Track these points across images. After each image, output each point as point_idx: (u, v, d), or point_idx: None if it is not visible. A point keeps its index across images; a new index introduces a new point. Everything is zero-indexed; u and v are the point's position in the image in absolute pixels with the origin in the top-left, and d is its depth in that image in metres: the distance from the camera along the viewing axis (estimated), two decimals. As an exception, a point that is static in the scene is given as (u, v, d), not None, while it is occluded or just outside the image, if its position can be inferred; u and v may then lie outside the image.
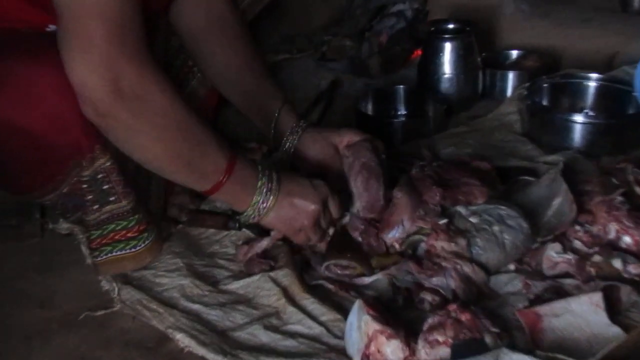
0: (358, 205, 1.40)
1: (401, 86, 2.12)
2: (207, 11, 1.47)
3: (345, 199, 1.41)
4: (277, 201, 1.29)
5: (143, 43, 1.11)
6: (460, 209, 1.37)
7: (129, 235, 1.36)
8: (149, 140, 1.14)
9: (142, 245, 1.38)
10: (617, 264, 1.26)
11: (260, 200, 1.28)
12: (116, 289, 1.34)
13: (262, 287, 1.32)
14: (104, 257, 1.37)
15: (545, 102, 1.92)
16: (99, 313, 1.30)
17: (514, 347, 1.06)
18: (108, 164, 1.28)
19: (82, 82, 1.07)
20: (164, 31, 1.52)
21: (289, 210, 1.31)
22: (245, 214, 1.29)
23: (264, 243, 1.38)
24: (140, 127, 1.12)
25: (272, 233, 1.38)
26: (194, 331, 1.22)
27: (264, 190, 1.27)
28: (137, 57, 1.09)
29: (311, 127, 1.51)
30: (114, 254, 1.36)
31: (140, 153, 1.18)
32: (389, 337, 1.08)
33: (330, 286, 1.33)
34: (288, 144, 1.49)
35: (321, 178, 1.38)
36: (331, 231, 1.40)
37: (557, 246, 1.32)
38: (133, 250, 1.37)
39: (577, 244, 1.34)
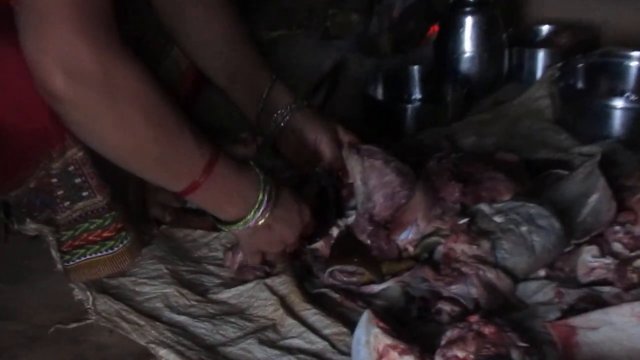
0: (378, 197, 1.40)
1: (416, 67, 2.13)
2: None
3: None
4: (261, 222, 1.29)
5: (108, 21, 1.07)
6: (483, 207, 1.38)
7: (104, 235, 1.36)
8: (111, 130, 1.12)
9: (120, 246, 1.38)
10: (663, 269, 1.27)
11: (252, 220, 1.27)
12: (91, 298, 1.34)
13: (257, 297, 1.33)
14: (77, 261, 1.37)
15: (580, 85, 1.93)
16: (72, 326, 1.30)
17: (545, 365, 1.07)
18: (80, 154, 1.28)
19: (35, 62, 1.05)
20: (136, 2, 1.52)
21: (266, 234, 1.31)
22: (227, 227, 1.29)
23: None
24: (100, 115, 1.09)
25: None
26: (179, 346, 1.22)
27: (261, 210, 1.26)
28: (98, 38, 1.06)
29: (310, 108, 1.52)
30: (87, 257, 1.37)
31: (103, 145, 1.16)
32: (401, 353, 1.08)
33: (335, 295, 1.33)
34: (279, 118, 1.49)
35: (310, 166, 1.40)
36: (335, 231, 1.42)
37: (594, 249, 1.32)
38: (110, 252, 1.38)
39: (617, 246, 1.34)
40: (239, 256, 1.39)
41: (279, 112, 1.49)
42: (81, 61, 1.04)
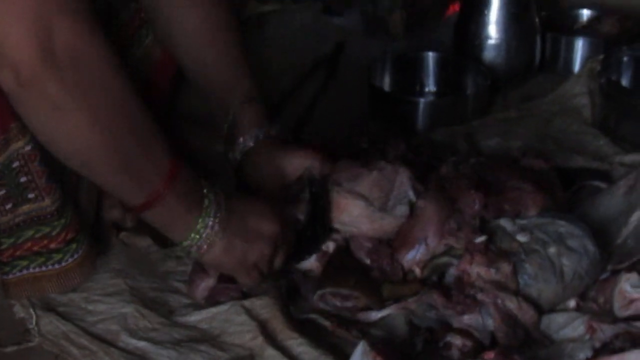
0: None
1: (430, 53, 2.14)
2: None
3: None
4: (226, 225, 1.29)
5: None
6: (505, 224, 1.39)
7: (51, 246, 1.36)
8: (81, 123, 1.12)
9: (70, 260, 1.39)
10: None
11: (209, 224, 1.28)
12: (34, 317, 1.35)
13: (233, 321, 1.33)
14: (18, 274, 1.37)
15: (625, 82, 1.93)
16: (10, 349, 1.30)
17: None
18: (28, 148, 1.28)
19: (2, 39, 1.07)
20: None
21: (242, 237, 1.31)
22: (182, 243, 1.29)
23: (210, 280, 1.39)
24: (72, 105, 1.10)
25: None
26: (138, 377, 1.23)
27: (212, 211, 1.28)
28: (74, 12, 1.08)
29: (271, 138, 1.52)
30: (30, 270, 1.37)
31: (67, 142, 1.16)
32: (402, 394, 1.09)
33: (326, 322, 1.34)
34: (237, 151, 1.52)
35: None
36: (330, 246, 1.42)
37: (634, 277, 1.32)
38: (57, 266, 1.38)
39: (662, 276, 1.35)
40: (203, 284, 1.39)
41: (244, 143, 1.51)
42: (59, 36, 1.06)
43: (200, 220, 1.27)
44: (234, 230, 1.30)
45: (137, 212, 1.26)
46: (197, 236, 1.27)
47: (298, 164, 1.48)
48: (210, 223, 1.27)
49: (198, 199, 1.27)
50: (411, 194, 1.43)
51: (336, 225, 1.43)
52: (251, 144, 1.50)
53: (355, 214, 1.41)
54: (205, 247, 1.28)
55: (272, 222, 1.34)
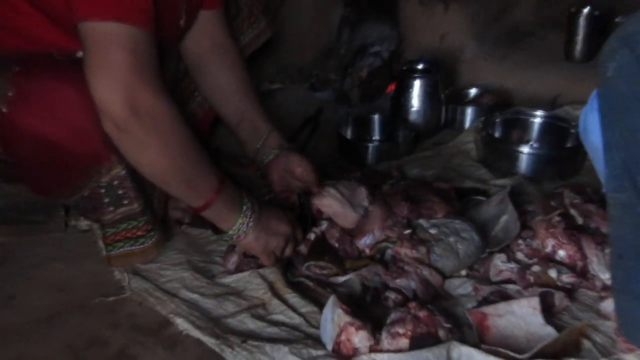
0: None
1: (376, 115, 2.13)
2: (211, 38, 1.48)
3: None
4: (257, 223, 1.29)
5: (157, 70, 1.12)
6: (422, 222, 1.39)
7: (138, 233, 1.36)
8: (157, 154, 1.14)
9: (149, 242, 1.39)
10: (553, 273, 1.28)
11: (246, 222, 1.28)
12: (127, 278, 1.34)
13: (252, 282, 1.33)
14: (117, 251, 1.37)
15: (497, 134, 1.93)
16: (111, 299, 1.30)
17: (463, 341, 1.08)
18: (123, 172, 1.29)
19: (104, 101, 1.08)
20: (175, 58, 1.53)
21: (266, 232, 1.31)
22: (228, 232, 1.28)
23: (236, 257, 1.38)
24: (150, 143, 1.12)
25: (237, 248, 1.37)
26: (191, 317, 1.23)
27: (248, 213, 1.28)
28: (151, 82, 1.10)
29: (293, 149, 1.51)
30: (125, 248, 1.37)
31: (149, 166, 1.17)
32: (357, 329, 1.09)
33: (310, 283, 1.33)
34: (271, 155, 1.49)
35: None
36: (312, 236, 1.42)
37: (502, 257, 1.33)
38: (141, 246, 1.38)
39: (520, 255, 1.35)
40: (233, 259, 1.39)
41: (272, 150, 1.49)
42: (141, 100, 1.08)
43: (239, 219, 1.27)
44: (261, 227, 1.30)
45: (198, 212, 1.25)
46: (237, 228, 1.28)
47: (305, 165, 1.46)
48: (246, 221, 1.28)
49: (238, 204, 1.27)
50: (366, 202, 1.43)
51: (325, 217, 1.43)
52: (276, 151, 1.48)
53: (338, 211, 1.42)
54: (242, 236, 1.29)
55: (287, 225, 1.34)
